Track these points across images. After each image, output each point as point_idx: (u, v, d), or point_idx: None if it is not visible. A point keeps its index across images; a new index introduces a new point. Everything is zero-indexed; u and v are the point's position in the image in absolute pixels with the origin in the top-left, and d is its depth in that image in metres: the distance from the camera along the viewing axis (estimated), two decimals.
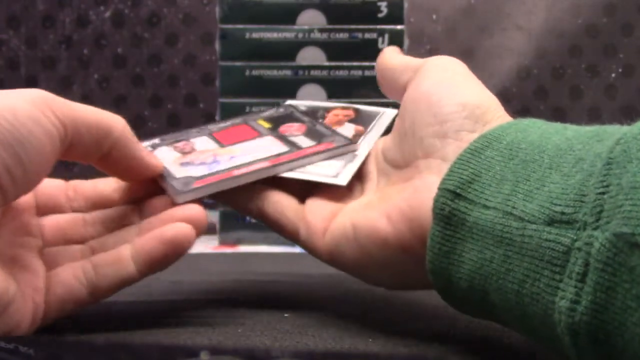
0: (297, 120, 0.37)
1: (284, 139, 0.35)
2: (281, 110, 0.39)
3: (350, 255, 0.28)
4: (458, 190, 0.24)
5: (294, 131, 0.36)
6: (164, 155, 0.34)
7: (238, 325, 0.29)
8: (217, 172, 0.32)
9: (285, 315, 0.31)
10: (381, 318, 0.31)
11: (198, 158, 0.34)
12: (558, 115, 0.76)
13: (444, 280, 0.25)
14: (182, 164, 0.33)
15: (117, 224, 0.31)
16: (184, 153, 0.35)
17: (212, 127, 0.38)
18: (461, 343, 0.27)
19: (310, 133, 0.36)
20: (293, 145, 0.34)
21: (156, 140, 0.36)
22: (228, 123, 0.38)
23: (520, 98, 0.74)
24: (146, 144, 0.35)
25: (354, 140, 0.34)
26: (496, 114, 0.27)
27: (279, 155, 0.33)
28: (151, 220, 0.30)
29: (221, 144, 0.35)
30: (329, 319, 0.31)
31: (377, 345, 0.26)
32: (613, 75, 0.77)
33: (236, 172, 0.32)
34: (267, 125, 0.37)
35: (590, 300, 0.19)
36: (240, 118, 0.38)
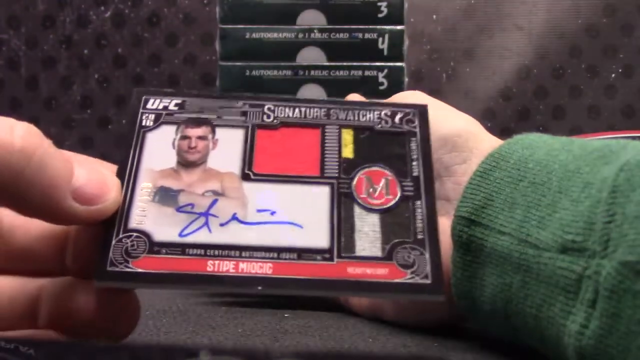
0: (397, 165, 0.22)
1: (347, 213, 0.21)
2: (403, 117, 0.23)
3: (389, 311, 0.30)
4: (473, 217, 0.25)
5: (375, 198, 0.21)
6: (151, 152, 0.21)
7: (238, 325, 0.29)
8: (187, 250, 0.20)
9: (286, 315, 0.31)
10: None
11: (191, 192, 0.21)
12: (558, 115, 0.76)
13: (469, 303, 0.26)
14: (160, 193, 0.21)
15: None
16: (184, 162, 0.21)
17: (269, 108, 0.23)
18: (461, 343, 0.27)
19: (393, 228, 0.21)
20: (347, 239, 0.20)
21: (175, 103, 0.22)
22: (297, 112, 0.23)
23: (520, 98, 0.74)
24: (156, 104, 0.22)
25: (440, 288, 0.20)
26: (479, 136, 0.28)
27: (299, 258, 0.20)
28: (53, 296, 0.20)
29: (250, 169, 0.21)
30: (329, 319, 0.31)
31: (377, 345, 0.26)
32: (613, 75, 0.77)
33: (211, 267, 0.19)
34: (349, 149, 0.22)
35: (597, 325, 0.20)
36: (323, 107, 0.23)
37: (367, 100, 0.24)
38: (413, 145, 0.23)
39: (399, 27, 0.59)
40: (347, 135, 0.23)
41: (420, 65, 0.76)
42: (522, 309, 0.23)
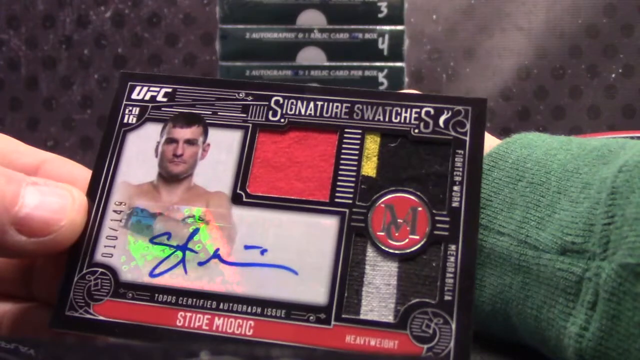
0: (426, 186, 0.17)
1: (357, 256, 0.16)
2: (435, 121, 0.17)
3: None
4: None
5: (396, 238, 0.16)
6: (130, 159, 0.18)
7: None
8: (156, 295, 0.17)
9: None
10: None
11: (170, 217, 0.17)
12: (558, 115, 0.76)
13: None
14: (134, 217, 0.18)
15: None
16: (167, 175, 0.18)
17: (277, 102, 0.18)
18: None
19: (414, 283, 0.16)
20: (352, 295, 0.16)
21: (165, 92, 0.19)
22: (311, 108, 0.18)
23: (520, 98, 0.74)
24: (142, 93, 0.19)
25: None
26: None
27: (287, 317, 0.16)
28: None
29: (243, 188, 0.17)
30: None
31: None
32: (613, 75, 0.77)
33: (181, 320, 0.17)
34: (371, 164, 0.17)
35: (597, 327, 0.20)
36: (345, 101, 0.18)
37: (407, 92, 0.19)
38: (459, 162, 0.18)
39: (399, 27, 0.59)
40: (372, 144, 0.18)
41: (420, 65, 0.76)
42: (522, 310, 0.23)
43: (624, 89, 0.76)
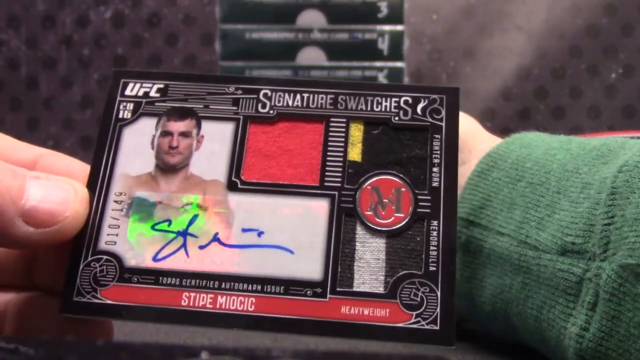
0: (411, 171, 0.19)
1: (348, 235, 0.18)
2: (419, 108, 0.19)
3: None
4: (471, 217, 0.24)
5: (382, 216, 0.18)
6: (127, 152, 0.19)
7: None
8: (160, 278, 0.18)
9: None
10: None
11: (170, 204, 0.18)
12: (558, 115, 0.76)
13: (469, 304, 0.25)
14: (135, 206, 0.19)
15: None
16: (164, 166, 0.19)
17: (265, 94, 0.19)
18: (461, 343, 0.27)
19: (401, 256, 0.18)
20: (345, 270, 0.18)
21: (157, 87, 0.20)
22: (298, 100, 0.19)
23: (520, 98, 0.74)
24: (135, 89, 0.20)
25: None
26: (478, 136, 0.28)
27: (285, 293, 0.17)
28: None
29: (238, 176, 0.19)
30: None
31: (377, 345, 0.26)
32: (613, 75, 0.76)
33: (185, 300, 0.17)
34: (356, 150, 0.19)
35: (597, 328, 0.20)
36: (329, 92, 0.19)
37: (385, 84, 0.20)
38: (436, 145, 0.19)
39: (399, 27, 0.59)
40: (356, 132, 0.19)
41: (420, 65, 0.76)
42: (522, 310, 0.23)
43: (624, 89, 0.76)
